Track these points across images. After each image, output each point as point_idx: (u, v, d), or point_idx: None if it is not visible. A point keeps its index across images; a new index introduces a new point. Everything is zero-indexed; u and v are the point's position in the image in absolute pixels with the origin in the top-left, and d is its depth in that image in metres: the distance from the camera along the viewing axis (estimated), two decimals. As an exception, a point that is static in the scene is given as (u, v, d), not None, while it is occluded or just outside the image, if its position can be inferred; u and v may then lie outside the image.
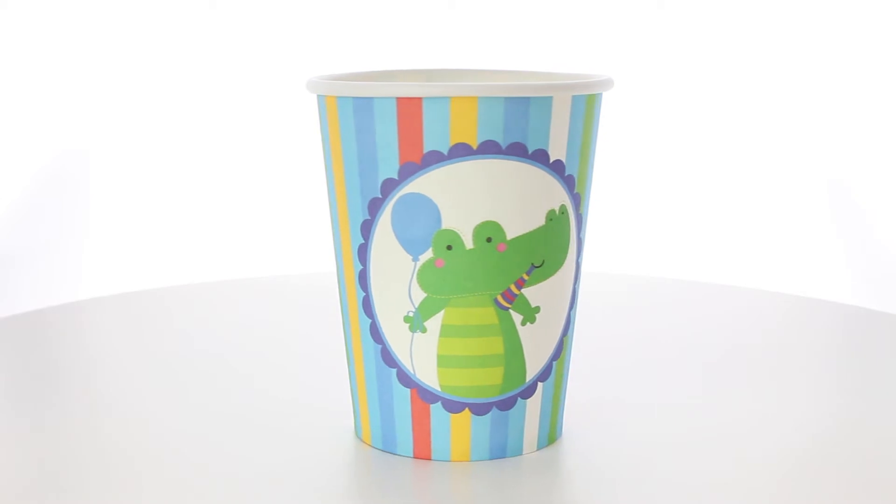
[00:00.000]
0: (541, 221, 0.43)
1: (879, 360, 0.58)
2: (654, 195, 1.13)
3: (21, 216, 1.12)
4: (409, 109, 0.41)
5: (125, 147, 1.13)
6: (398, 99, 0.41)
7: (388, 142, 0.42)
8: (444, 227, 0.42)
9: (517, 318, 0.43)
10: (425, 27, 1.12)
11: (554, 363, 0.45)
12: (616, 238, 1.12)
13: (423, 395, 0.44)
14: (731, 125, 1.13)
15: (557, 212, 0.43)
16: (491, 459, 0.44)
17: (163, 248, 1.12)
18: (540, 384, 0.45)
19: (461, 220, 0.42)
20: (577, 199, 0.44)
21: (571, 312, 0.45)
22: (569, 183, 0.43)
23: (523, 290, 0.43)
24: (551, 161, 0.43)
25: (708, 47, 1.13)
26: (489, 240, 0.42)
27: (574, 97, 0.43)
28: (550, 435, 0.46)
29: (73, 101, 1.13)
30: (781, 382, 0.54)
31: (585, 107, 0.43)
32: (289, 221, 1.11)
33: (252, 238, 1.12)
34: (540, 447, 0.45)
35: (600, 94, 0.44)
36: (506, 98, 0.41)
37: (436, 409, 0.44)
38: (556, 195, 0.43)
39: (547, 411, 0.45)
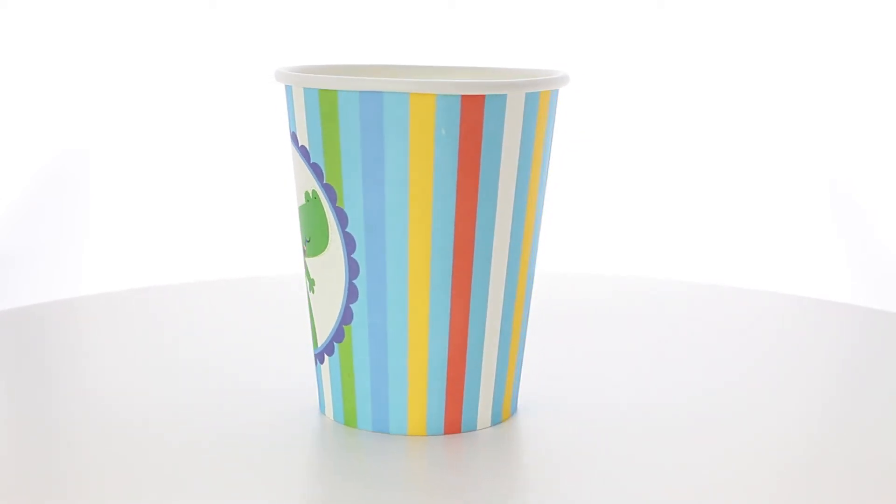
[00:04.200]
0: (303, 199, 0.47)
1: (879, 359, 0.58)
2: (654, 195, 1.13)
3: (21, 216, 1.12)
4: None
5: (125, 147, 1.13)
6: None
7: None
8: None
9: (309, 282, 0.48)
10: (430, 25, 1.12)
11: (336, 345, 0.47)
12: (615, 239, 1.12)
13: None
14: (731, 125, 1.13)
15: (311, 195, 0.46)
16: (320, 411, 0.49)
17: (163, 248, 1.12)
18: (326, 357, 0.48)
19: None
20: (332, 192, 0.45)
21: (357, 307, 0.46)
22: (315, 171, 0.46)
23: (306, 259, 0.48)
24: (300, 145, 0.46)
25: (708, 46, 1.13)
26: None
27: (307, 90, 0.45)
28: (347, 416, 0.48)
29: (73, 101, 1.13)
30: (779, 381, 0.54)
31: (320, 102, 0.44)
32: (291, 220, 1.11)
33: (255, 237, 1.12)
34: (336, 419, 0.48)
35: (345, 93, 0.44)
36: (284, 85, 0.46)
37: None
38: (308, 179, 0.46)
39: (337, 389, 0.48)
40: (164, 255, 1.11)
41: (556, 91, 0.47)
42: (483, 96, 0.43)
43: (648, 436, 0.47)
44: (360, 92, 0.43)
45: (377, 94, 0.43)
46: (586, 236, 1.11)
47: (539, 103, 0.45)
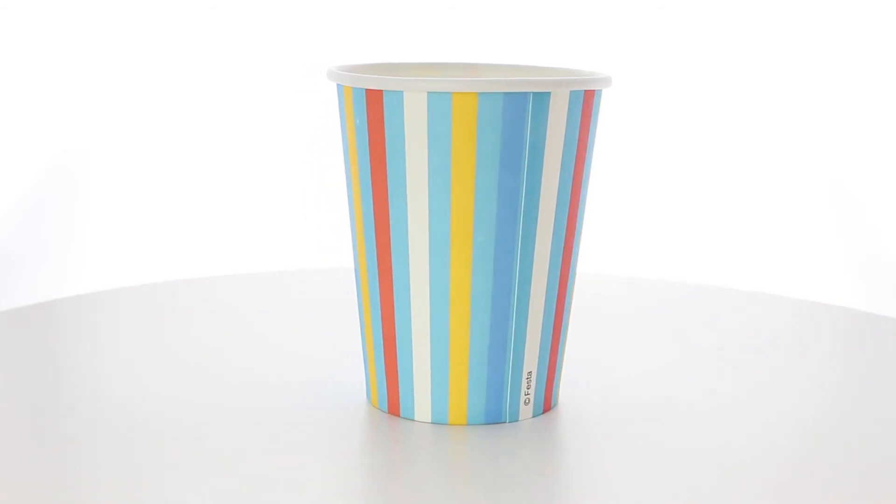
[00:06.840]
0: None
1: (880, 363, 0.58)
2: (655, 196, 1.13)
3: (21, 216, 1.13)
4: None
5: (125, 147, 1.13)
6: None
7: None
8: None
9: None
10: (437, 23, 1.12)
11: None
12: (614, 240, 1.12)
13: None
14: (732, 126, 1.13)
15: None
16: None
17: (163, 248, 1.12)
18: None
19: None
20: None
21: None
22: None
23: None
24: None
25: (710, 48, 1.13)
26: None
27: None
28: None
29: (72, 101, 1.13)
30: (779, 383, 0.53)
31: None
32: (287, 217, 1.11)
33: (253, 236, 1.12)
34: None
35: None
36: None
37: None
38: None
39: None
40: (163, 256, 1.11)
41: (506, 95, 0.44)
42: (381, 91, 0.45)
43: (644, 444, 0.47)
44: (337, 84, 0.48)
45: (339, 85, 0.48)
46: (586, 240, 1.11)
47: (452, 105, 0.44)
